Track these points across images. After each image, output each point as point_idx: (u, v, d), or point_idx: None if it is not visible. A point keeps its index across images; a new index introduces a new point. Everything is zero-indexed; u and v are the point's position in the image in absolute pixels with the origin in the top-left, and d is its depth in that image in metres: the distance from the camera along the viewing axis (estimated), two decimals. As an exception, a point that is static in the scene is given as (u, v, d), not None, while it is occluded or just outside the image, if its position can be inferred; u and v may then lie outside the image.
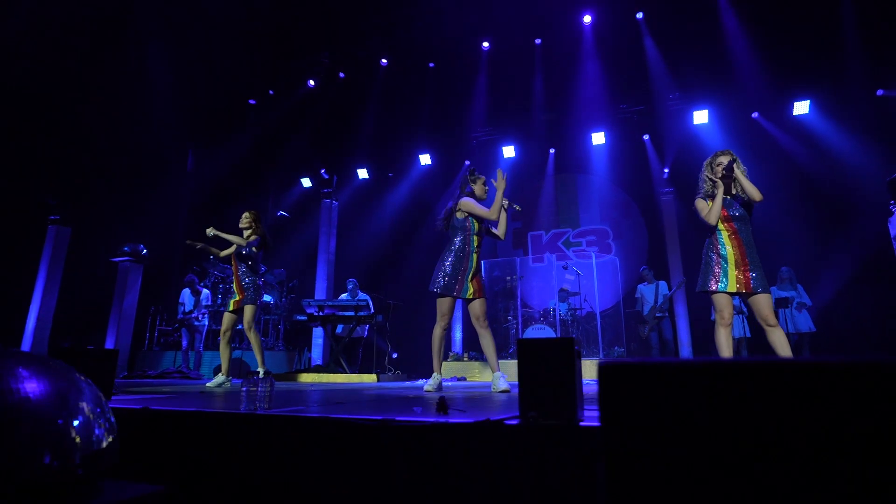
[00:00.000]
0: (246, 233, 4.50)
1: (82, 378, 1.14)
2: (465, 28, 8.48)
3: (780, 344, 2.90)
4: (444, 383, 5.73)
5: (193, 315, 7.06)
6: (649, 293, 6.79)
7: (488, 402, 2.30)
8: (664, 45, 8.25)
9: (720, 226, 3.17)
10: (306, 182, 10.18)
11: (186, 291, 7.42)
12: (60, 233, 7.50)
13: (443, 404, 1.63)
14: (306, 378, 6.27)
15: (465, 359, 7.16)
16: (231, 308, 4.27)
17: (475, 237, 3.65)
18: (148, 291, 8.04)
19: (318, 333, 8.37)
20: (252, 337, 4.25)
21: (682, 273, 8.15)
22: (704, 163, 3.31)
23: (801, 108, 7.58)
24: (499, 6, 8.09)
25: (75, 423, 1.03)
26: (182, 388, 4.11)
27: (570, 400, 1.32)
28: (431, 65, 9.17)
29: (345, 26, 8.69)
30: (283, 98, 9.61)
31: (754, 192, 3.05)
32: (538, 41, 8.70)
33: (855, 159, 6.15)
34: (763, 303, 2.97)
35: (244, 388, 1.85)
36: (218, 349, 7.91)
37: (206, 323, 7.24)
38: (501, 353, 7.51)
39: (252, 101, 9.81)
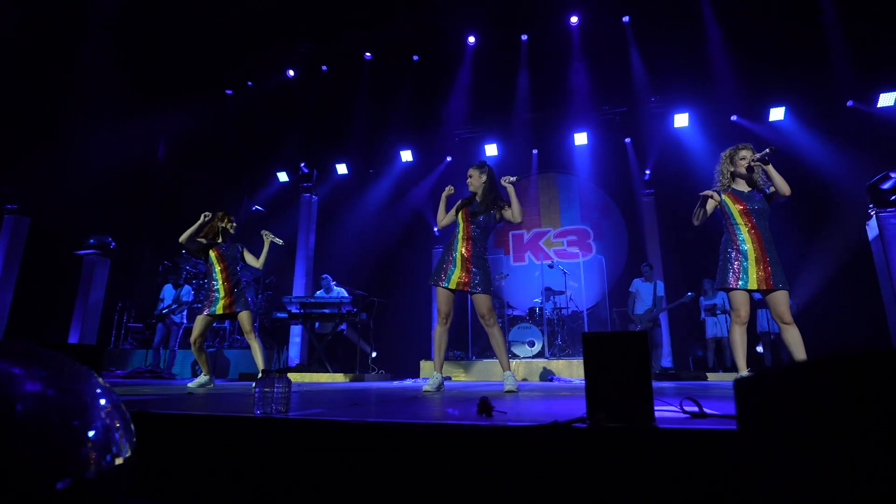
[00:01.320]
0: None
1: (100, 381, 0.97)
2: (451, 21, 8.36)
3: (795, 342, 2.88)
4: (420, 383, 5.61)
5: (173, 308, 6.71)
6: (646, 291, 6.80)
7: (520, 404, 2.19)
8: (647, 49, 8.34)
9: (738, 219, 3.11)
10: (283, 176, 9.88)
11: (168, 286, 7.06)
12: (19, 223, 7.02)
13: (486, 406, 1.51)
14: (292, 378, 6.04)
15: (450, 358, 7.04)
16: (219, 312, 4.00)
17: (463, 222, 3.53)
18: (114, 286, 7.62)
19: (295, 331, 8.12)
20: (254, 342, 4.00)
21: (662, 275, 8.25)
22: (723, 155, 3.26)
23: (777, 114, 7.79)
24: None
25: (92, 434, 0.87)
26: (161, 389, 3.85)
27: (647, 401, 1.22)
28: (416, 58, 9.00)
29: (327, 17, 8.44)
30: (262, 89, 9.28)
31: (784, 187, 2.99)
32: (524, 37, 8.64)
33: (833, 164, 6.34)
34: (781, 300, 2.93)
35: (258, 389, 1.68)
36: (189, 348, 7.59)
37: (185, 321, 6.91)
38: (484, 353, 7.44)
39: (229, 92, 9.44)
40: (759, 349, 6.67)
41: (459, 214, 3.58)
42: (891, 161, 5.66)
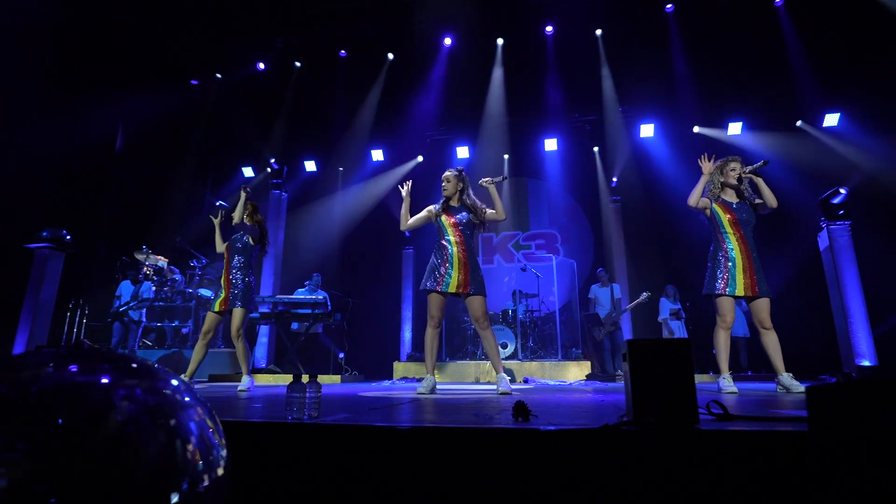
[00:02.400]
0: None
1: (192, 388, 0.95)
2: (429, 21, 8.36)
3: (773, 345, 3.09)
4: (403, 384, 5.60)
5: (132, 305, 6.39)
6: (603, 295, 7.05)
7: (539, 408, 2.23)
8: (617, 62, 8.62)
9: (728, 228, 3.28)
10: (248, 171, 9.59)
11: (126, 283, 6.71)
12: (-39, 213, 6.50)
13: (523, 410, 1.55)
14: (259, 379, 5.88)
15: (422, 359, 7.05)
16: (216, 308, 3.86)
17: (450, 227, 3.56)
18: (67, 283, 7.17)
19: (262, 332, 7.90)
20: (239, 344, 3.87)
21: (627, 279, 8.56)
22: (714, 166, 3.44)
23: (735, 128, 8.24)
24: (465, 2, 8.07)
25: (196, 444, 0.85)
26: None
27: (691, 404, 1.29)
28: (391, 56, 8.94)
29: (302, 11, 8.27)
30: (231, 81, 8.99)
31: (772, 199, 3.22)
32: (500, 42, 8.75)
33: (788, 179, 6.76)
34: (763, 306, 3.13)
35: (289, 395, 1.66)
36: (150, 348, 7.25)
37: (144, 320, 6.59)
38: (458, 354, 7.49)
39: (194, 82, 9.07)
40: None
41: (444, 220, 3.60)
42: (841, 177, 6.12)
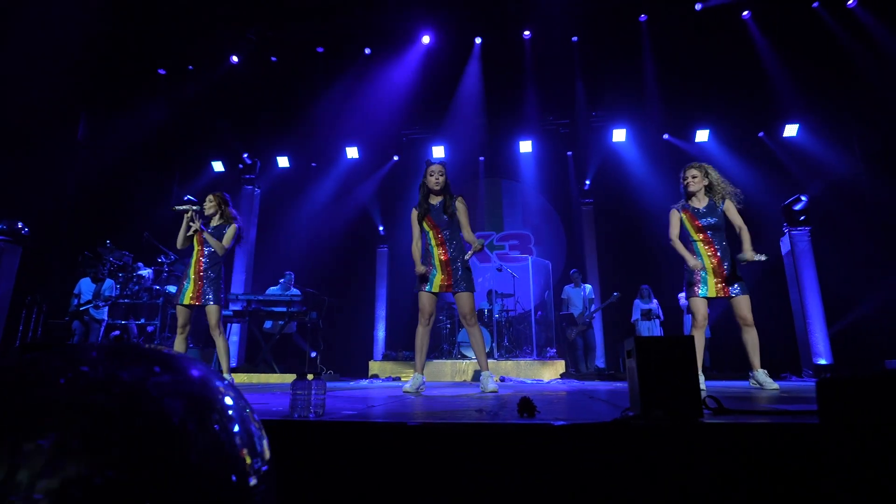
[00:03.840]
0: (214, 220, 3.98)
1: (222, 377, 0.94)
2: (407, 18, 8.33)
3: (752, 342, 3.23)
4: (381, 383, 5.58)
5: (98, 304, 6.14)
6: (576, 296, 7.20)
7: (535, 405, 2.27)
8: (591, 68, 8.80)
9: (695, 236, 3.40)
10: (218, 166, 9.34)
11: (85, 280, 6.43)
12: None
13: (529, 405, 1.58)
14: (235, 378, 5.74)
15: (400, 358, 7.04)
16: (186, 301, 3.74)
17: (431, 230, 3.58)
18: (24, 278, 6.83)
19: (234, 330, 7.72)
20: (220, 341, 3.77)
21: (599, 280, 8.76)
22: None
23: (702, 135, 8.55)
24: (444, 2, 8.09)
25: (242, 438, 0.83)
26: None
27: (695, 398, 1.35)
28: (367, 51, 8.86)
29: (278, 4, 8.11)
30: (200, 73, 8.72)
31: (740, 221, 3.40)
32: (477, 43, 8.79)
33: (752, 186, 7.05)
34: (743, 304, 3.27)
35: (293, 393, 1.64)
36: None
37: (106, 318, 6.33)
38: (433, 353, 7.50)
39: (162, 72, 8.77)
40: None
41: (424, 224, 3.59)
42: (803, 184, 6.43)
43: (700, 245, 3.39)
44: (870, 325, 6.15)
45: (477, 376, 6.37)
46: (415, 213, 3.64)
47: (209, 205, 3.96)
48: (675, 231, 3.48)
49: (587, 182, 9.28)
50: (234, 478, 0.73)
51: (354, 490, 1.40)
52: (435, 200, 3.64)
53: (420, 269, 3.53)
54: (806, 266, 5.98)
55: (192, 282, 3.76)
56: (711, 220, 3.38)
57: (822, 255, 6.14)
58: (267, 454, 0.86)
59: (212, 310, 3.74)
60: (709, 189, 3.46)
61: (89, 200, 8.24)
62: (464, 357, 6.91)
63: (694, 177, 3.47)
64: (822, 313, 5.86)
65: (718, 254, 3.34)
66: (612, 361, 8.29)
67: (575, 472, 1.31)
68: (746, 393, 2.88)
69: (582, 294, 7.29)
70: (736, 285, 3.30)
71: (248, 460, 0.80)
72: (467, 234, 3.59)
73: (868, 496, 0.94)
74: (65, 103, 8.18)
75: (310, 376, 1.69)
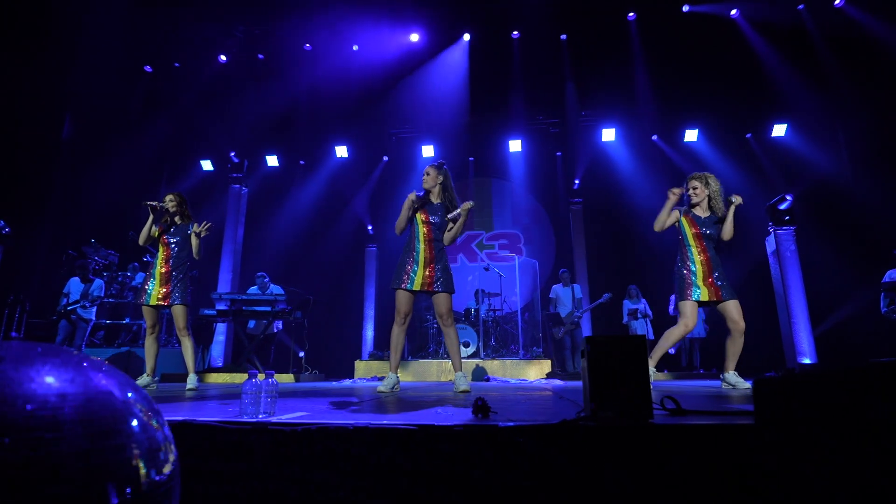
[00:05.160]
0: (177, 219, 3.94)
1: (136, 383, 0.91)
2: (396, 16, 8.30)
3: (736, 350, 3.32)
4: (364, 383, 5.55)
5: (85, 304, 6.09)
6: (565, 295, 7.18)
7: (495, 404, 2.24)
8: (580, 66, 8.79)
9: (691, 242, 3.49)
10: (207, 165, 9.28)
11: (75, 280, 6.38)
12: None
13: (484, 407, 1.56)
14: (216, 378, 5.72)
15: (386, 358, 6.99)
16: (151, 302, 3.70)
17: (423, 225, 3.53)
18: (5, 277, 6.77)
19: (220, 330, 7.67)
20: (187, 342, 3.74)
21: (588, 280, 8.75)
22: (711, 180, 3.60)
23: (691, 135, 8.55)
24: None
25: (141, 442, 0.80)
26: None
27: (646, 399, 1.33)
28: (355, 48, 8.80)
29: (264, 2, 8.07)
30: (188, 71, 8.66)
31: (730, 233, 3.43)
32: (467, 41, 8.75)
33: (739, 185, 7.06)
34: (733, 308, 3.31)
35: (243, 394, 1.61)
36: (97, 347, 6.91)
37: (93, 318, 6.28)
38: (419, 353, 7.48)
39: (148, 69, 8.71)
40: (672, 351, 7.29)
41: (418, 217, 3.54)
42: (788, 184, 6.43)
43: (694, 251, 3.46)
44: (855, 324, 6.16)
45: (473, 374, 6.35)
46: (414, 198, 3.52)
47: (171, 203, 3.92)
48: (666, 213, 3.54)
49: (576, 181, 9.27)
50: (110, 486, 0.70)
51: (295, 490, 1.38)
52: (435, 199, 3.60)
53: (412, 195, 3.45)
54: (791, 266, 5.99)
55: (157, 282, 3.73)
56: (709, 231, 3.47)
57: (808, 255, 6.15)
58: (168, 462, 0.84)
59: (178, 310, 3.72)
60: (709, 200, 3.52)
61: (74, 199, 8.18)
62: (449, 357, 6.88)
63: (695, 188, 3.55)
64: (806, 313, 5.87)
65: (710, 261, 3.43)
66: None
67: (520, 473, 1.29)
68: (719, 393, 2.86)
69: (571, 293, 7.28)
70: (726, 291, 3.36)
71: (142, 468, 0.78)
72: (453, 234, 3.53)
73: (797, 497, 0.92)
74: (50, 101, 8.11)
75: (260, 377, 1.66)
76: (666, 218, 3.57)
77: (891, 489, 0.78)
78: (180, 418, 1.59)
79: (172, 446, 0.87)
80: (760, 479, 1.07)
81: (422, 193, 3.62)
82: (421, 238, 3.52)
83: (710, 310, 6.92)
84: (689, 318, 3.35)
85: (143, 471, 0.77)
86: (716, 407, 1.84)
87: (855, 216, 6.52)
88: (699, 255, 3.43)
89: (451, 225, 3.55)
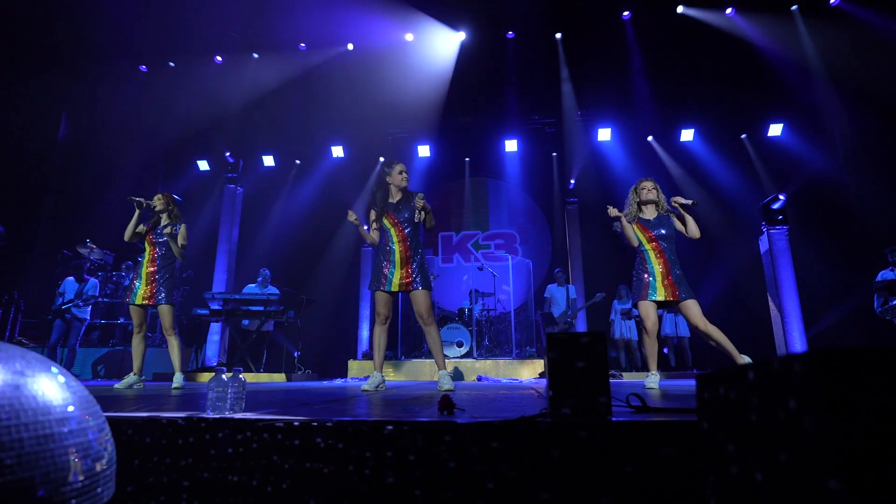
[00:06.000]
0: (162, 218, 3.94)
1: (73, 379, 0.91)
2: (388, 17, 8.31)
3: (720, 339, 3.29)
4: (354, 383, 5.55)
5: (79, 303, 6.11)
6: (560, 295, 7.18)
7: (470, 402, 2.24)
8: (575, 66, 8.79)
9: (647, 245, 3.53)
10: (204, 165, 9.30)
11: (70, 280, 6.40)
12: None
13: (448, 403, 1.56)
14: (208, 377, 5.71)
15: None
16: (137, 302, 3.71)
17: (393, 227, 3.54)
18: (1, 277, 6.81)
19: (214, 329, 7.68)
20: (173, 341, 3.75)
21: (583, 280, 8.74)
22: (631, 190, 3.71)
23: (687, 135, 8.53)
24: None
25: (70, 438, 0.81)
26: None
27: (605, 397, 1.33)
28: (350, 46, 8.81)
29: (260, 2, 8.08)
30: (185, 70, 8.68)
31: (696, 232, 3.48)
32: (462, 40, 8.73)
33: (732, 185, 7.06)
34: (692, 308, 3.31)
35: (211, 389, 1.62)
36: (92, 346, 6.94)
37: (88, 317, 6.30)
38: (413, 353, 7.48)
39: (143, 68, 8.73)
40: (665, 350, 7.28)
41: (385, 220, 3.54)
42: (780, 184, 6.41)
43: (651, 253, 3.51)
44: (849, 324, 6.14)
45: (458, 375, 6.36)
46: (373, 214, 3.58)
47: (159, 202, 3.93)
48: (630, 233, 3.61)
49: (572, 181, 9.26)
50: (38, 478, 0.70)
51: (266, 485, 1.38)
52: (395, 198, 3.62)
53: (352, 215, 3.57)
54: (784, 265, 5.97)
55: (143, 282, 3.74)
56: (662, 231, 3.52)
57: (801, 255, 6.14)
58: (104, 455, 0.84)
59: (164, 309, 3.73)
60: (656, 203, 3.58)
61: (69, 199, 8.20)
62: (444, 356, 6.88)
63: (650, 190, 3.61)
64: (799, 313, 5.86)
65: (668, 262, 3.46)
66: (596, 361, 8.25)
67: (478, 469, 1.29)
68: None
69: (566, 293, 7.28)
70: (683, 290, 3.38)
71: (73, 461, 0.78)
72: (431, 222, 3.55)
73: (733, 495, 0.92)
74: (46, 101, 8.14)
75: (228, 374, 1.67)
76: (632, 233, 3.62)
77: (805, 483, 0.78)
78: (145, 415, 1.60)
79: (109, 442, 0.88)
80: (701, 475, 1.07)
81: (375, 207, 3.60)
82: (395, 239, 3.52)
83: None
84: (647, 319, 3.39)
85: (74, 464, 0.78)
86: (688, 405, 1.84)
87: (849, 215, 6.50)
88: (656, 256, 3.47)
89: (422, 216, 3.53)
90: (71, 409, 0.82)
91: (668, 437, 1.26)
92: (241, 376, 1.67)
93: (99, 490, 0.82)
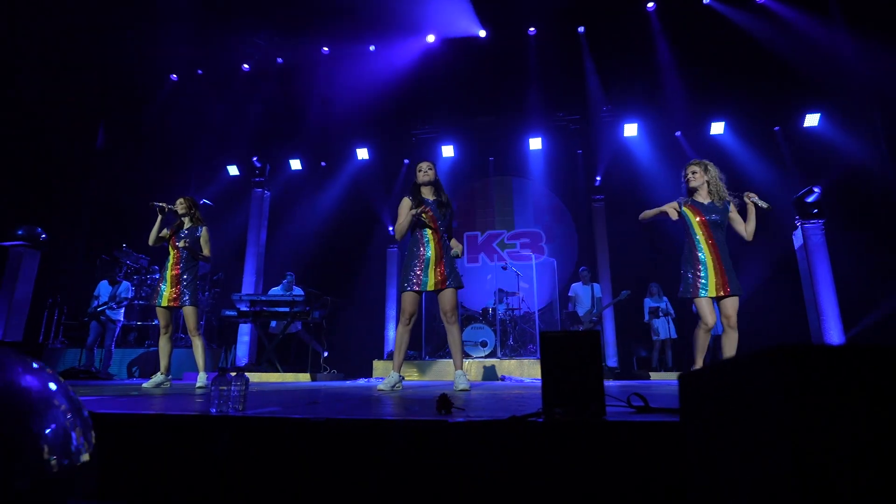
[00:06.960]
0: (187, 222, 4.08)
1: (56, 377, 0.95)
2: (410, 18, 8.35)
3: (731, 345, 3.11)
4: (377, 382, 5.59)
5: (112, 306, 6.38)
6: (585, 294, 7.07)
7: (477, 401, 2.23)
8: (600, 60, 8.62)
9: (698, 232, 3.30)
10: (233, 170, 9.55)
11: (104, 283, 6.69)
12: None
13: (445, 403, 1.55)
14: (235, 378, 5.86)
15: (406, 358, 7.04)
16: (163, 304, 3.85)
17: (427, 229, 3.54)
18: (45, 281, 7.15)
19: (244, 330, 7.88)
20: (197, 341, 3.87)
21: (610, 278, 8.57)
22: (709, 167, 3.44)
23: (717, 128, 8.25)
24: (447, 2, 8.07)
25: (49, 433, 0.84)
26: (100, 389, 3.66)
27: (598, 397, 1.30)
28: (372, 48, 8.88)
29: (287, 7, 8.24)
30: (212, 78, 8.94)
31: (751, 234, 3.29)
32: (483, 35, 8.67)
33: (765, 178, 6.78)
34: (732, 304, 3.16)
35: (214, 388, 1.66)
36: (128, 347, 7.23)
37: (122, 318, 6.56)
38: (437, 353, 7.49)
39: (174, 77, 9.03)
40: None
41: (424, 217, 3.52)
42: (815, 176, 6.14)
43: (702, 240, 3.29)
44: (893, 324, 5.81)
45: (484, 374, 6.34)
46: (408, 202, 3.56)
47: (180, 206, 4.06)
48: (657, 210, 3.45)
49: (598, 178, 9.10)
50: (16, 468, 0.74)
51: (264, 482, 1.40)
52: (429, 195, 3.61)
53: (409, 204, 3.50)
54: (819, 260, 5.70)
55: (168, 284, 3.86)
56: (715, 217, 3.29)
57: (838, 250, 5.84)
58: (84, 448, 0.87)
59: (189, 311, 3.84)
60: (708, 186, 3.38)
61: (107, 206, 8.55)
62: (467, 356, 6.87)
63: (694, 172, 3.41)
64: (837, 312, 5.58)
65: (719, 252, 3.25)
66: (624, 360, 8.10)
67: (471, 469, 1.28)
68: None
69: (591, 292, 7.16)
70: (733, 285, 3.20)
71: (52, 454, 0.81)
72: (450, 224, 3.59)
73: (710, 492, 0.89)
74: (84, 111, 8.51)
75: (233, 374, 1.70)
76: (653, 214, 3.47)
77: (787, 479, 0.75)
78: (153, 412, 1.65)
79: (91, 436, 0.91)
80: (685, 475, 1.03)
81: (432, 201, 3.61)
82: (430, 237, 3.53)
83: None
84: (707, 316, 3.18)
85: (52, 457, 0.81)
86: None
87: (891, 208, 6.15)
88: (707, 244, 3.25)
89: (447, 212, 3.57)
90: (50, 403, 0.85)
91: (663, 438, 1.23)
92: (244, 376, 1.71)
93: (78, 483, 0.85)
